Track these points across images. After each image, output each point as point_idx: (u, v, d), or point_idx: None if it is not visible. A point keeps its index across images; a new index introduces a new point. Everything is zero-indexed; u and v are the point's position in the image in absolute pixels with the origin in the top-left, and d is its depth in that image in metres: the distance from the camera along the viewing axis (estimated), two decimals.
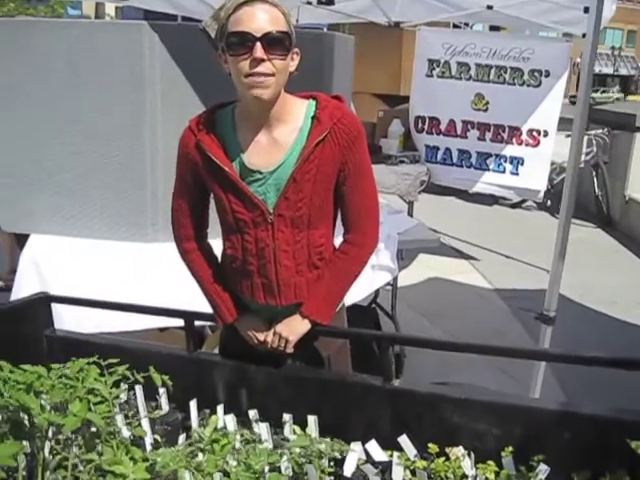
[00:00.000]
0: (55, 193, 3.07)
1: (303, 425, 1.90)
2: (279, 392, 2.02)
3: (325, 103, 1.92)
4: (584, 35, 4.28)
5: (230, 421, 1.92)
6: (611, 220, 8.35)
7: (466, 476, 1.66)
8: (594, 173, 8.55)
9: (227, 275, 2.07)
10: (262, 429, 1.89)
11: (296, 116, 1.93)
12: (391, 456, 1.76)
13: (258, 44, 1.76)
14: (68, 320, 2.53)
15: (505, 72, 5.52)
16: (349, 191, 1.97)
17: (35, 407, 1.40)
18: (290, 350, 2.01)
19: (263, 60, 1.77)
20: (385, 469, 1.73)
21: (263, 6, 1.78)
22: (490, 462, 1.70)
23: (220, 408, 1.98)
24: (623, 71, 57.05)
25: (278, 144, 1.91)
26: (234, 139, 1.94)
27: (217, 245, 2.12)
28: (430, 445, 1.75)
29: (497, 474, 1.68)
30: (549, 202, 8.61)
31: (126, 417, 1.99)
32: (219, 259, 2.12)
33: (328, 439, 1.84)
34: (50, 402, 1.48)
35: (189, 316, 2.15)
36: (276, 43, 1.78)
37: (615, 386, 3.06)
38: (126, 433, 1.85)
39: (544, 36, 6.23)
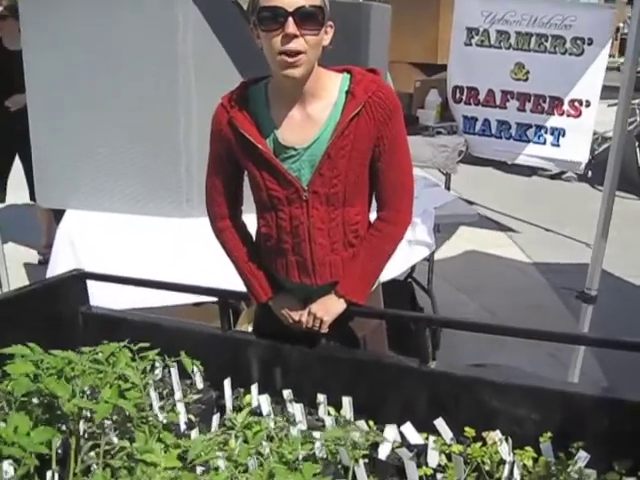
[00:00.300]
0: (90, 168, 3.07)
1: (338, 405, 1.89)
2: (314, 372, 2.00)
3: (360, 77, 1.87)
4: (629, 1, 4.14)
5: (264, 401, 1.91)
6: None
7: (503, 462, 1.62)
8: (637, 143, 8.31)
9: (261, 254, 2.05)
10: (296, 410, 1.88)
11: (330, 91, 1.88)
12: (427, 439, 1.73)
13: (290, 19, 1.70)
14: (102, 295, 2.54)
15: (546, 40, 5.35)
16: (384, 167, 1.92)
17: (63, 395, 1.39)
18: (325, 330, 1.99)
19: (296, 36, 1.72)
20: (420, 453, 1.71)
21: None
22: (528, 448, 1.66)
23: (254, 387, 1.97)
24: None
25: (312, 120, 1.87)
26: (267, 115, 1.90)
27: (251, 222, 2.10)
28: (467, 429, 1.72)
29: (535, 460, 1.65)
30: (590, 173, 8.41)
31: (160, 397, 2.01)
32: (253, 237, 2.10)
33: (363, 421, 1.83)
34: (81, 388, 1.47)
35: (223, 294, 2.14)
36: (309, 18, 1.73)
37: None
38: (160, 415, 1.86)
39: (585, 2, 6.02)
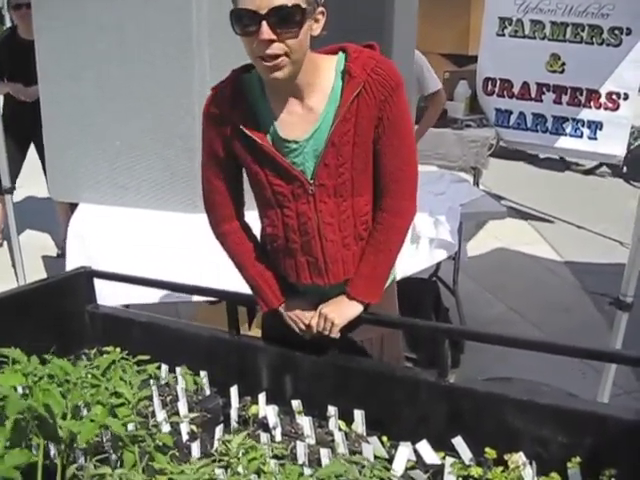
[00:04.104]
0: (104, 162, 3.00)
1: (349, 416, 1.77)
2: (325, 381, 1.88)
3: (356, 54, 1.70)
4: None
5: (271, 412, 1.80)
6: None
7: None
8: None
9: (268, 256, 1.93)
10: (305, 423, 1.77)
11: (327, 75, 1.73)
12: (444, 459, 1.60)
13: (264, 23, 1.54)
14: (112, 290, 2.45)
15: (583, 30, 5.16)
16: (384, 150, 1.76)
17: (57, 412, 1.28)
18: (335, 335, 1.85)
19: (272, 41, 1.56)
20: (436, 474, 1.58)
21: None
22: (554, 474, 1.52)
23: (262, 397, 1.86)
24: None
25: (312, 110, 1.73)
26: (265, 108, 1.76)
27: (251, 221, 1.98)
28: (487, 450, 1.58)
29: None
30: (625, 168, 8.17)
31: (164, 403, 1.91)
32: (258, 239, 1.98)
33: (375, 437, 1.71)
34: (72, 404, 1.36)
35: (231, 297, 2.02)
36: (286, 19, 1.55)
37: None
38: (166, 428, 1.76)
39: None
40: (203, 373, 2.01)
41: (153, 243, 2.78)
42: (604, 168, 8.42)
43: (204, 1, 2.70)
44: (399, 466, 1.60)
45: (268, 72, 1.62)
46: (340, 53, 1.74)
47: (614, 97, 5.09)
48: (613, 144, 5.22)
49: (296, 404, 1.83)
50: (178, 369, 2.01)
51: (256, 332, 3.05)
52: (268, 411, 1.81)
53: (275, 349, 1.97)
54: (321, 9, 1.65)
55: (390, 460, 1.62)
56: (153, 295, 2.59)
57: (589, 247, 5.85)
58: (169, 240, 2.80)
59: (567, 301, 4.72)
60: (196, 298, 2.50)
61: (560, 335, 4.09)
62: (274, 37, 1.56)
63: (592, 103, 5.18)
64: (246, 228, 1.96)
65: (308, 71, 1.69)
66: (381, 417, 1.75)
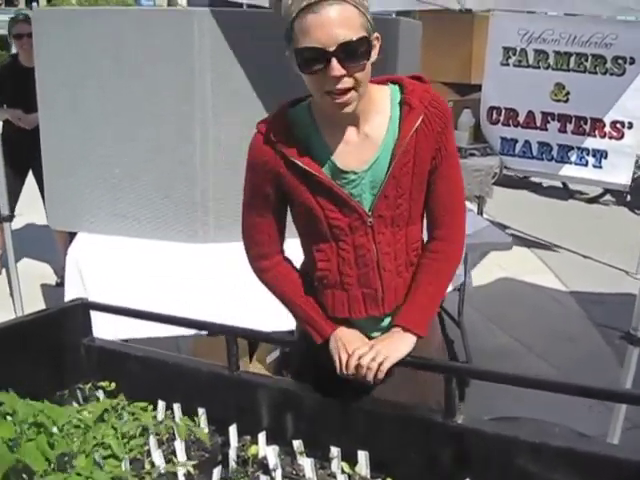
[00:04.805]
0: (103, 190, 2.95)
1: (353, 458, 1.70)
2: (328, 421, 1.81)
3: (411, 87, 1.70)
4: None
5: (271, 453, 1.73)
6: None
7: None
8: None
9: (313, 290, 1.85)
10: (306, 464, 1.70)
11: (383, 105, 1.71)
12: None
13: (334, 60, 1.50)
14: (107, 322, 2.39)
15: (586, 60, 5.17)
16: (439, 181, 1.76)
17: (38, 469, 1.21)
18: (381, 375, 1.68)
19: (342, 76, 1.53)
20: None
21: (330, 6, 1.49)
22: None
23: (262, 436, 1.79)
24: None
25: (370, 139, 1.70)
26: (319, 140, 1.72)
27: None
28: None
29: None
30: (629, 197, 8.14)
31: (160, 442, 1.84)
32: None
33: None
34: (55, 456, 1.29)
35: (230, 331, 1.95)
36: (354, 53, 1.52)
37: None
38: (159, 463, 1.69)
39: (624, 20, 5.80)
40: (201, 410, 1.94)
41: (153, 274, 2.73)
42: (608, 196, 8.39)
43: (205, 26, 2.67)
44: None
45: (337, 108, 1.59)
46: (391, 84, 1.74)
47: (618, 126, 5.08)
48: (618, 172, 5.21)
49: (297, 444, 1.75)
50: (176, 406, 1.95)
51: (257, 366, 3.00)
52: (268, 451, 1.73)
53: (276, 386, 1.91)
54: (376, 34, 1.62)
55: None
56: (152, 328, 2.53)
57: (594, 276, 5.79)
58: (169, 270, 2.75)
59: (572, 331, 4.65)
60: (194, 331, 2.44)
61: (566, 367, 4.02)
62: (344, 72, 1.52)
63: (597, 132, 5.18)
64: (287, 261, 1.90)
65: (365, 100, 1.65)
66: (386, 459, 1.67)
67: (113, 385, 1.96)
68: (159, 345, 2.31)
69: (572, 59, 5.22)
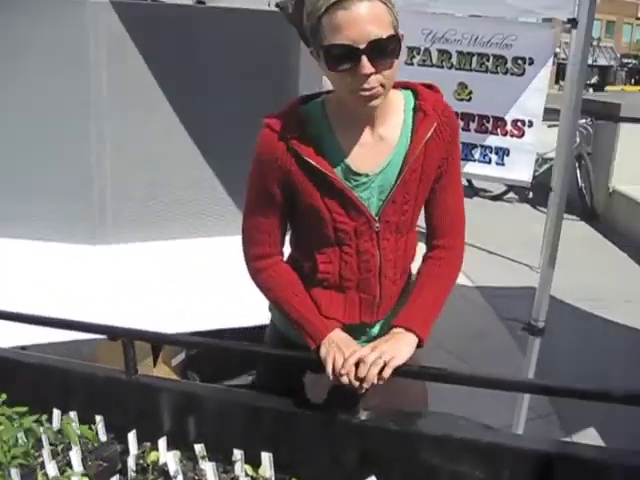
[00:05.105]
0: None
1: (257, 459, 1.65)
2: (231, 423, 1.75)
3: (425, 94, 1.70)
4: (569, 20, 4.07)
5: (171, 459, 1.66)
6: (595, 213, 8.15)
7: None
8: (577, 164, 8.32)
9: (312, 294, 1.78)
10: (208, 469, 1.63)
11: (397, 108, 1.69)
12: None
13: (364, 58, 1.47)
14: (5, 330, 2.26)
15: (488, 60, 5.28)
16: (444, 189, 1.76)
17: None
18: (386, 375, 1.56)
19: (371, 74, 1.49)
20: None
21: (361, 3, 1.46)
22: None
23: (162, 442, 1.72)
24: (602, 61, 57.02)
25: (384, 142, 1.67)
26: (332, 139, 1.66)
27: None
28: None
29: None
30: (531, 194, 8.41)
31: (55, 453, 1.74)
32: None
33: None
34: None
35: (126, 334, 1.87)
36: (384, 51, 1.49)
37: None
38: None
39: (525, 21, 5.98)
40: (99, 418, 1.85)
41: (47, 278, 2.60)
42: (511, 194, 8.64)
43: (101, 19, 2.56)
44: None
45: (364, 102, 1.54)
46: (404, 90, 1.72)
47: (519, 124, 5.21)
48: (520, 170, 5.34)
49: (199, 448, 1.69)
50: (72, 414, 1.85)
51: (163, 370, 2.90)
52: (168, 457, 1.67)
53: (177, 388, 1.84)
54: (402, 32, 1.57)
55: None
56: (50, 334, 2.40)
57: (501, 272, 5.94)
58: (65, 274, 2.62)
59: (481, 327, 4.75)
60: (91, 336, 2.33)
61: (476, 361, 4.09)
62: (373, 70, 1.48)
63: (499, 130, 5.29)
64: (284, 263, 1.83)
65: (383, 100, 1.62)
66: (291, 459, 1.64)
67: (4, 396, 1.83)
68: (61, 351, 2.20)
69: (474, 59, 5.32)
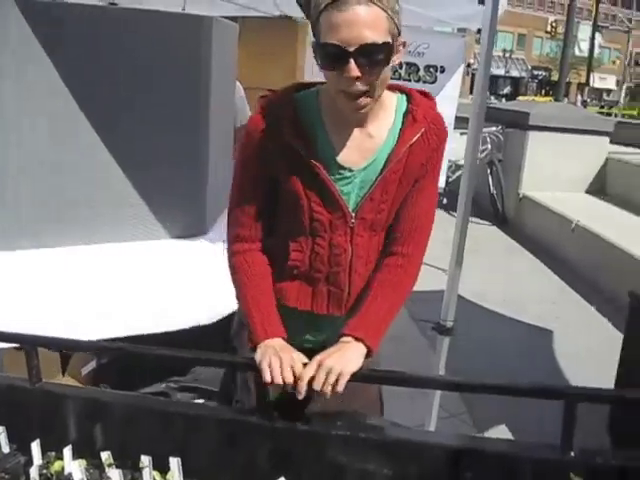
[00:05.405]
0: None
1: (166, 465, 1.62)
2: (139, 429, 1.72)
3: (418, 100, 1.71)
4: (478, 30, 4.19)
5: (76, 468, 1.62)
6: (506, 218, 8.42)
7: None
8: (489, 171, 8.60)
9: (282, 280, 1.79)
10: (114, 476, 1.60)
11: (388, 109, 1.71)
12: None
13: (352, 61, 1.48)
14: None
15: (400, 68, 5.39)
16: (417, 195, 1.76)
17: None
18: (340, 388, 1.54)
19: (358, 78, 1.50)
20: None
21: (359, 6, 1.47)
22: None
23: (67, 450, 1.67)
24: (514, 73, 59.10)
25: (372, 139, 1.69)
26: (322, 130, 1.68)
27: None
28: None
29: None
30: (445, 200, 8.60)
31: None
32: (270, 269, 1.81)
33: None
34: None
35: (29, 341, 1.81)
36: (374, 57, 1.50)
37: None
38: None
39: (439, 31, 6.13)
40: (1, 428, 1.78)
41: None
42: None
43: (9, 24, 2.47)
44: None
45: (350, 109, 1.60)
46: (398, 93, 1.74)
47: None
48: None
49: (105, 456, 1.65)
50: None
51: (71, 380, 2.82)
52: (73, 466, 1.62)
53: (83, 395, 1.79)
54: (402, 40, 1.60)
55: None
56: None
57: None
58: None
59: (396, 330, 4.77)
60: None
61: (393, 364, 4.13)
62: (359, 74, 1.50)
63: None
64: (260, 252, 1.81)
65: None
66: (200, 463, 1.62)
67: None
68: None
69: None
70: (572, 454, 1.42)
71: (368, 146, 1.70)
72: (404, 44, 1.63)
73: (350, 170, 1.69)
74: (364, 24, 1.48)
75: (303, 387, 1.52)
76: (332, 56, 1.52)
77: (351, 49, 1.48)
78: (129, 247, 2.78)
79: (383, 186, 1.69)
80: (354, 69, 1.50)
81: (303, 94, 1.72)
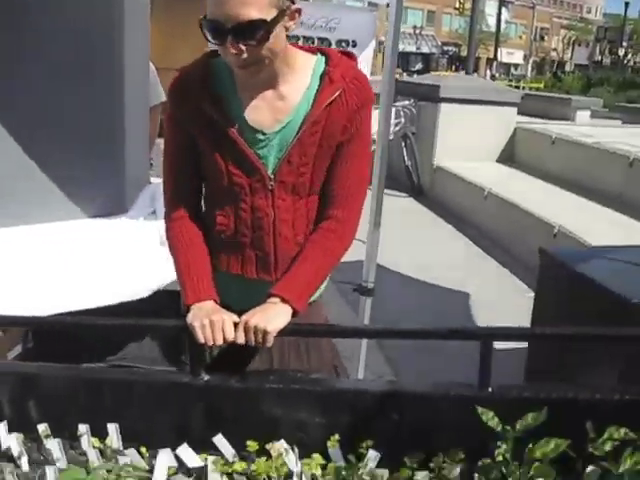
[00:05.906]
0: None
1: (104, 432, 1.65)
2: (76, 399, 1.73)
3: (337, 60, 1.72)
4: (387, 5, 4.28)
5: (14, 440, 1.63)
6: (421, 189, 8.61)
7: (290, 475, 1.49)
8: (403, 144, 8.75)
9: (213, 247, 1.82)
10: (53, 447, 1.62)
11: (303, 72, 1.72)
12: (206, 459, 1.55)
13: (229, 37, 1.54)
14: None
15: (313, 43, 5.40)
16: (345, 159, 1.77)
17: None
18: (269, 344, 1.63)
19: (236, 51, 1.56)
20: (200, 476, 1.53)
21: None
22: (316, 455, 1.54)
23: (2, 426, 1.67)
24: (425, 49, 59.99)
25: (284, 102, 1.71)
26: (234, 94, 1.71)
27: None
28: (249, 443, 1.56)
29: (324, 467, 1.53)
30: None
31: None
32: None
33: (133, 449, 1.61)
34: None
35: None
36: (251, 33, 1.54)
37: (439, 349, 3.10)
38: None
39: (350, 5, 6.20)
40: None
41: None
42: None
43: None
44: (160, 474, 1.53)
45: (243, 76, 1.67)
46: (319, 55, 1.74)
47: None
48: None
49: (42, 428, 1.67)
50: None
51: None
52: (11, 440, 1.63)
53: (12, 370, 1.79)
54: (296, 7, 1.62)
55: (152, 470, 1.54)
56: None
57: None
58: None
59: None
60: None
61: None
62: (236, 50, 1.56)
63: None
64: (196, 219, 1.84)
65: (283, 64, 1.68)
66: (137, 427, 1.65)
67: None
68: None
69: (300, 42, 5.43)
70: (490, 390, 1.53)
71: (280, 108, 1.72)
72: (299, 10, 1.66)
73: (263, 133, 1.73)
74: (242, 2, 1.52)
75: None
76: (212, 32, 1.58)
77: (228, 26, 1.54)
78: (47, 228, 2.74)
79: (300, 148, 1.72)
80: (231, 46, 1.57)
81: (218, 59, 1.74)
